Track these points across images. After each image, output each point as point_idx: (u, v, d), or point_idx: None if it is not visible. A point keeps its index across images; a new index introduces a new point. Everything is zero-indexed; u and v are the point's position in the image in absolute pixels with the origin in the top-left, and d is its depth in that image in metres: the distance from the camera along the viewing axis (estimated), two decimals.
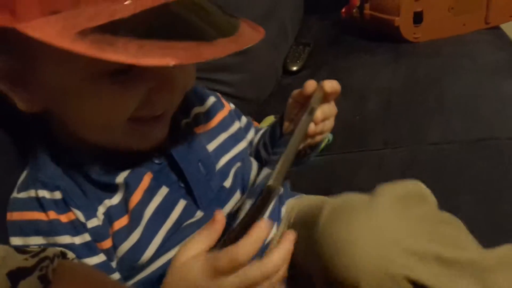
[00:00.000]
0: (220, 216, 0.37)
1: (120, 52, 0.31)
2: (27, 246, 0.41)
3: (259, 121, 0.92)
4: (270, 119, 0.92)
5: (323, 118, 0.48)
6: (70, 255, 0.39)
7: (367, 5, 1.16)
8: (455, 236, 0.44)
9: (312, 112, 0.46)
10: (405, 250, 0.40)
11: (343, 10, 1.27)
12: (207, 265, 0.35)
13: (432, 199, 0.48)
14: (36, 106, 0.41)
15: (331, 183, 0.74)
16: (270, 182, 0.36)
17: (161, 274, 0.40)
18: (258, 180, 0.52)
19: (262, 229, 0.34)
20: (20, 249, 0.24)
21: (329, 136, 0.83)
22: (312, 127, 0.47)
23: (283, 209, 0.58)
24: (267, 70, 1.06)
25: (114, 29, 0.32)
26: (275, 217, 0.55)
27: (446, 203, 0.62)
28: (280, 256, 0.36)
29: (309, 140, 0.51)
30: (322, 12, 1.40)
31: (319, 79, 1.07)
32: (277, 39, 1.13)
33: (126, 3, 0.34)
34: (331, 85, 0.48)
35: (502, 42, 1.10)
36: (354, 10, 1.20)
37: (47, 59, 0.32)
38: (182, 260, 0.36)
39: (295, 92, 0.51)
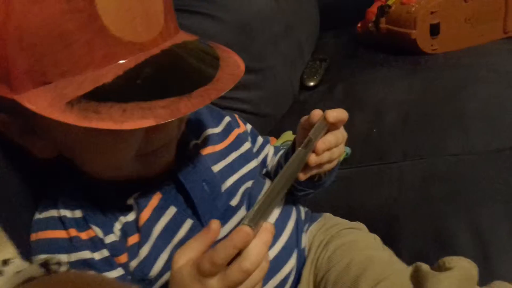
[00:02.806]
0: (215, 225, 0.38)
1: (105, 119, 0.34)
2: None
3: (277, 137, 0.93)
4: (287, 135, 0.93)
5: (326, 148, 0.47)
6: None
7: (383, 19, 1.16)
8: None
9: (308, 144, 0.45)
10: None
11: (359, 25, 1.28)
12: (194, 270, 0.36)
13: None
14: (49, 153, 0.45)
15: (351, 196, 0.74)
16: (246, 222, 0.35)
17: None
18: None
19: (240, 235, 0.34)
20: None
21: (347, 150, 0.84)
22: (313, 158, 0.46)
23: (304, 237, 0.57)
24: (284, 87, 1.08)
25: (99, 96, 0.35)
26: (293, 245, 0.54)
27: (466, 215, 0.61)
28: (257, 251, 0.35)
29: (314, 171, 0.49)
30: (338, 28, 1.41)
31: (336, 94, 1.08)
32: (294, 56, 1.14)
33: (109, 67, 0.37)
34: (335, 114, 0.46)
35: None
36: (369, 25, 1.21)
37: (47, 118, 0.35)
38: (175, 267, 0.38)
39: (303, 119, 0.51)
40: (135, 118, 0.35)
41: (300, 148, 0.44)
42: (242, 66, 0.44)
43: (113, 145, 0.41)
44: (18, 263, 0.25)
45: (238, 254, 0.36)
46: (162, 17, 0.41)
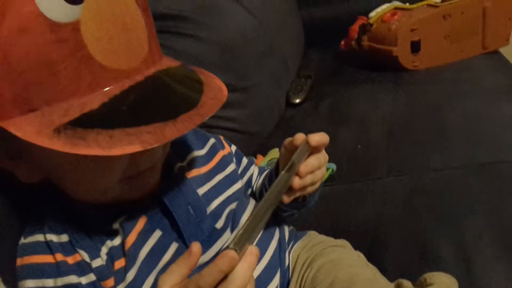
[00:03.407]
0: (196, 248, 0.37)
1: (92, 145, 0.35)
2: None
3: (264, 154, 0.94)
4: (274, 152, 0.93)
5: (309, 171, 0.49)
6: None
7: (365, 37, 1.19)
8: None
9: (291, 168, 0.46)
10: None
11: (342, 42, 1.31)
12: None
13: None
14: (35, 178, 0.45)
15: (337, 213, 0.74)
16: (231, 245, 0.35)
17: None
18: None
19: (225, 259, 0.34)
20: None
21: (332, 166, 0.84)
22: (296, 181, 0.47)
23: (288, 256, 0.57)
24: (269, 105, 1.09)
25: (85, 123, 0.36)
26: (277, 264, 0.54)
27: (450, 230, 0.62)
28: (243, 274, 0.35)
29: (298, 194, 0.50)
30: (322, 45, 1.44)
31: (321, 111, 1.10)
32: (279, 73, 1.16)
33: (94, 94, 0.38)
34: (317, 139, 0.48)
35: (501, 66, 1.12)
36: (352, 42, 1.24)
37: (33, 144, 0.36)
38: None
39: (287, 141, 0.52)
40: (122, 144, 0.35)
41: (283, 173, 0.45)
42: (224, 90, 0.45)
43: (100, 170, 0.42)
44: None
45: (224, 278, 0.35)
46: (146, 45, 0.42)
